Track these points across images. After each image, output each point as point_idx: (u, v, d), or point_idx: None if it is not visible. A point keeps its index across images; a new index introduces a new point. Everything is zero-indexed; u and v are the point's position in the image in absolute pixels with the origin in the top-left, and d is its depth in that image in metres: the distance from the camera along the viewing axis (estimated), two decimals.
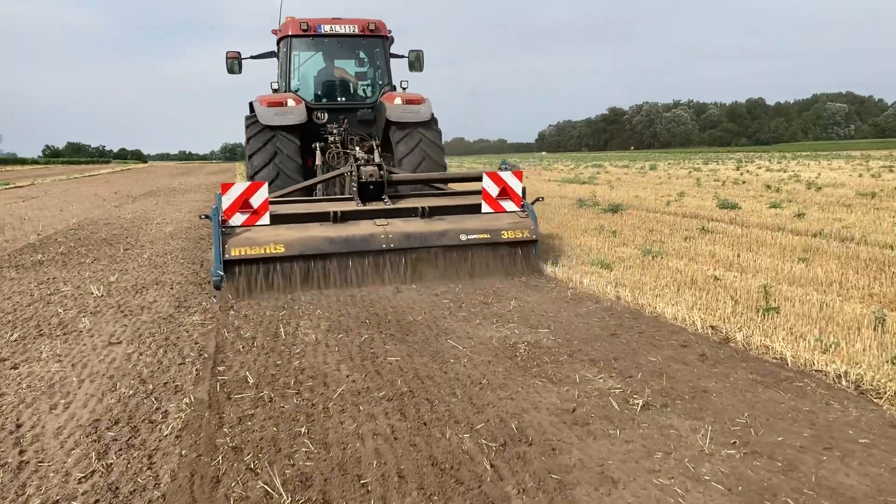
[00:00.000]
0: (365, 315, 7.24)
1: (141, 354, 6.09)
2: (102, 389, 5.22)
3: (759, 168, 40.21)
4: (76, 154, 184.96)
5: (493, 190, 9.47)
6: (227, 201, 8.64)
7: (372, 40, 12.50)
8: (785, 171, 34.68)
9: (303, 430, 4.38)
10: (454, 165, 57.79)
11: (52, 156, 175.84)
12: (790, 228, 12.40)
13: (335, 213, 8.93)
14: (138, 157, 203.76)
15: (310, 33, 12.06)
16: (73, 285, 9.23)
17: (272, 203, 8.99)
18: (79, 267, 10.67)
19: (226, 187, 8.69)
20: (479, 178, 9.58)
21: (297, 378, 5.36)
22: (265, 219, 8.72)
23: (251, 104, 11.58)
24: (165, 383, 5.35)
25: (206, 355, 6.01)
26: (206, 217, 8.78)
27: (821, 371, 5.14)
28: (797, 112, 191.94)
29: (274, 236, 8.51)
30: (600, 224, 13.36)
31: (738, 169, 39.39)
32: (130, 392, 5.16)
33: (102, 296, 8.54)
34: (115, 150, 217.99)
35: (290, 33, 12.09)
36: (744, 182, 26.46)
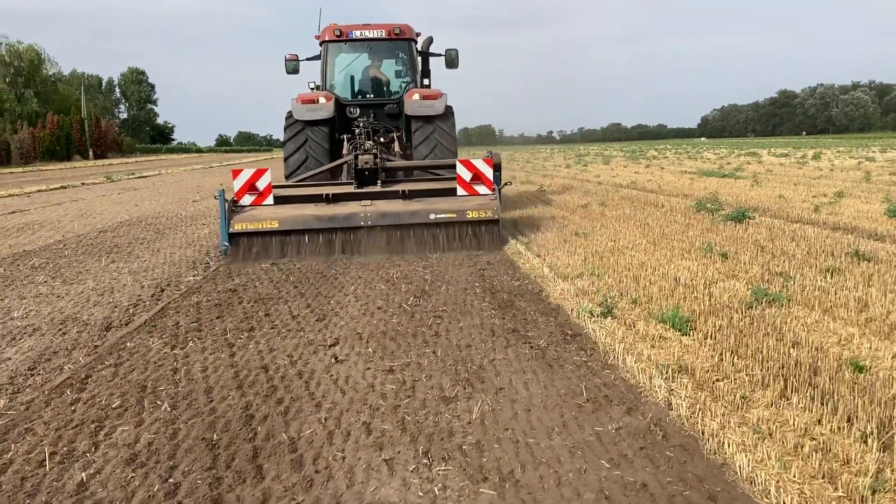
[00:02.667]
0: (231, 416, 4.43)
1: None
2: None
3: None
4: (245, 142, 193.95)
5: (467, 175, 10.45)
6: (237, 184, 10.27)
7: (398, 43, 13.71)
8: None
9: None
10: (600, 151, 53.81)
11: (222, 144, 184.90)
12: None
13: (327, 195, 10.37)
14: None
15: (343, 38, 13.43)
16: None
17: (276, 187, 10.61)
18: (17, 290, 8.54)
19: (236, 173, 10.35)
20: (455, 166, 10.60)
21: None
22: (270, 199, 10.31)
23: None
24: None
25: None
26: (217, 198, 9.70)
27: None
28: None
29: (271, 214, 9.93)
30: (711, 241, 9.82)
31: None
32: None
33: None
34: (282, 139, 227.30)
35: (326, 38, 13.46)
36: None
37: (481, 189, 10.45)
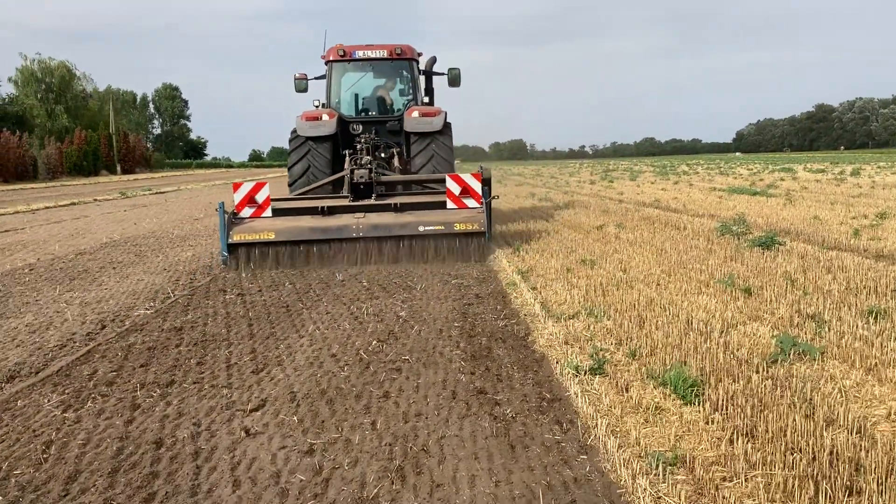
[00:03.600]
0: None
1: None
2: None
3: None
4: (278, 157, 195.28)
5: (456, 189, 10.78)
6: (237, 197, 10.68)
7: (399, 62, 14.07)
8: None
9: None
10: (628, 166, 52.48)
11: (254, 159, 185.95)
12: None
13: (322, 207, 10.71)
14: None
15: (346, 58, 13.78)
16: None
17: (275, 200, 11.04)
18: None
19: (236, 186, 10.80)
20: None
21: None
22: (268, 212, 10.69)
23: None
24: None
25: None
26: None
27: None
28: None
29: (269, 225, 10.35)
30: (733, 271, 8.61)
31: None
32: None
33: None
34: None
35: (331, 58, 13.87)
36: None
37: (470, 202, 10.80)
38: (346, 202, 11.20)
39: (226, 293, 8.93)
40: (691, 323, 6.37)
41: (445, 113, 13.30)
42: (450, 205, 10.81)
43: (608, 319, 6.60)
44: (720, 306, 7.01)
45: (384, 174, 12.16)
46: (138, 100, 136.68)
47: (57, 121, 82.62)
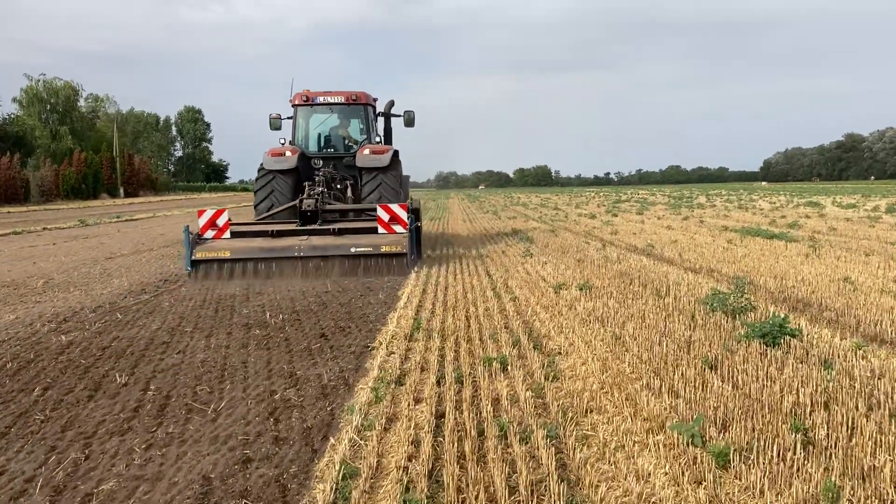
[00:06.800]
0: None
1: None
2: None
3: None
4: None
5: (385, 217, 12.75)
6: (201, 222, 12.90)
7: (355, 107, 16.20)
8: None
9: None
10: (645, 194, 49.00)
11: None
12: None
13: (272, 231, 12.92)
14: None
15: (309, 102, 15.95)
16: None
17: (234, 224, 13.16)
18: None
19: (200, 213, 13.04)
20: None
21: None
22: (227, 234, 12.87)
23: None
24: None
25: None
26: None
27: None
28: None
29: (226, 245, 12.48)
30: (709, 399, 5.28)
31: None
32: None
33: None
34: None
35: (296, 102, 16.02)
36: None
37: (397, 228, 12.68)
38: (293, 227, 13.16)
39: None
40: None
41: (396, 151, 15.38)
42: (381, 230, 12.69)
43: None
44: (668, 496, 3.71)
45: (329, 203, 13.99)
46: (161, 122, 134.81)
47: (62, 142, 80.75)
